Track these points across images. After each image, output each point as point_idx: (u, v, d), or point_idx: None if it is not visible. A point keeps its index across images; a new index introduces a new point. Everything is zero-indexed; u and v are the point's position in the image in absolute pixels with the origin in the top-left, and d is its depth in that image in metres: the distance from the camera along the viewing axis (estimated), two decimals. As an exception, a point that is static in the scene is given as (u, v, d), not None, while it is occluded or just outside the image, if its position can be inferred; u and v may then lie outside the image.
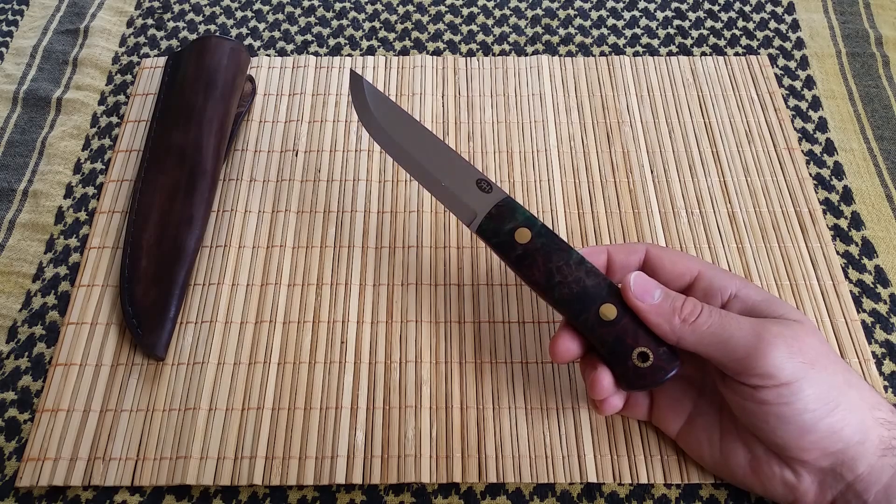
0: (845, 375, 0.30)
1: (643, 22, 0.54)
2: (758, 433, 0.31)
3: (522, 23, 0.54)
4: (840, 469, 0.30)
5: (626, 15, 0.55)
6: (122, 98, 0.50)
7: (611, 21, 0.54)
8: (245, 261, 0.42)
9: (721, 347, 0.30)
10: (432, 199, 0.45)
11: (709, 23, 0.54)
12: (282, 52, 0.52)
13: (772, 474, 0.31)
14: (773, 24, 0.54)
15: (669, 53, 0.52)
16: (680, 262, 0.34)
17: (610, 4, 0.55)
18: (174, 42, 0.53)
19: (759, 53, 0.52)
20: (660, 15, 0.55)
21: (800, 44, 0.53)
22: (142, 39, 0.53)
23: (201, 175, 0.43)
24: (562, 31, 0.54)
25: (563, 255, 0.33)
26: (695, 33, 0.54)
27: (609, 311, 0.32)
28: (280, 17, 0.54)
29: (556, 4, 0.55)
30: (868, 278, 0.43)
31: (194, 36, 0.53)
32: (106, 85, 0.51)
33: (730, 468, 0.33)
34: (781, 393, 0.29)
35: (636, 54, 0.52)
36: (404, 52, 0.52)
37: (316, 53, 0.52)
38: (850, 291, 0.42)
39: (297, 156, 0.47)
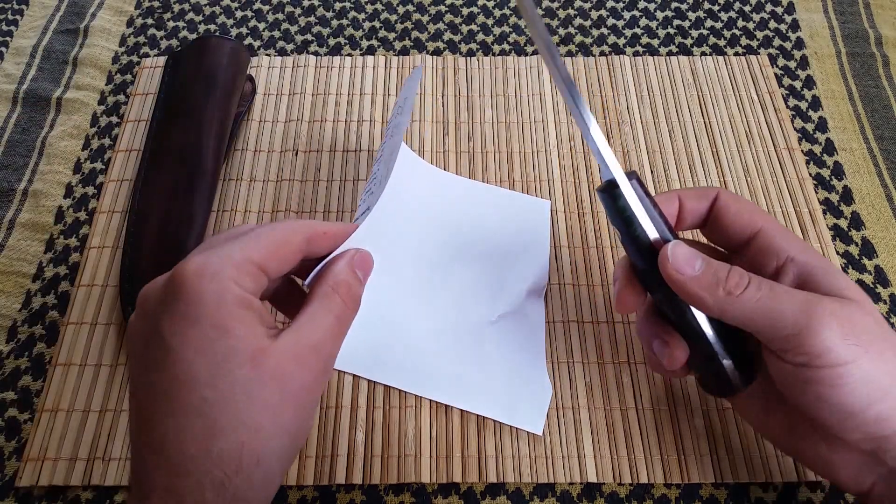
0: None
1: (643, 22, 0.54)
2: (799, 406, 0.29)
3: (522, 23, 0.54)
4: (884, 455, 0.28)
5: (626, 15, 0.55)
6: (122, 98, 0.50)
7: (611, 21, 0.54)
8: (245, 261, 0.42)
9: (768, 322, 0.28)
10: (432, 199, 0.45)
11: (709, 23, 0.54)
12: (282, 52, 0.52)
13: (808, 446, 0.30)
14: (773, 24, 0.54)
15: (669, 53, 0.52)
16: (745, 214, 0.31)
17: (610, 4, 0.55)
18: (174, 42, 0.53)
19: (759, 53, 0.52)
20: (660, 15, 0.55)
21: (800, 44, 0.53)
22: (142, 39, 0.53)
23: (201, 175, 0.43)
24: (562, 31, 0.54)
25: None
26: (695, 33, 0.54)
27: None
28: (280, 16, 0.54)
29: (556, 4, 0.55)
30: (868, 278, 0.43)
31: (194, 36, 0.53)
32: (106, 85, 0.51)
33: (769, 427, 0.32)
34: (829, 374, 0.27)
35: (636, 54, 0.52)
36: (404, 52, 0.52)
37: (316, 53, 0.52)
38: (850, 291, 0.42)
39: (297, 156, 0.47)
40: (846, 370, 0.27)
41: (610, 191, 0.29)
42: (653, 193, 0.32)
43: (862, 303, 0.28)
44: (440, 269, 0.42)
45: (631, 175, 0.29)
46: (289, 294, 0.32)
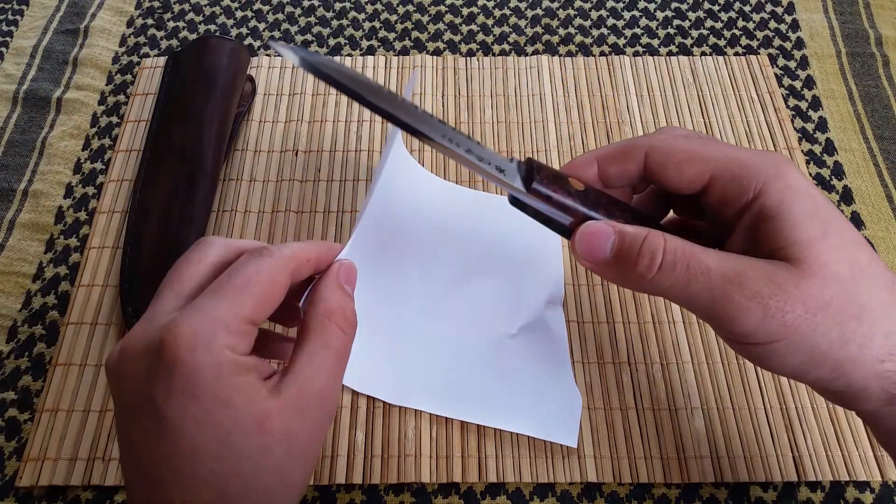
0: (853, 325, 0.25)
1: (643, 22, 0.54)
2: None
3: (522, 23, 0.54)
4: (849, 401, 0.27)
5: (626, 15, 0.55)
6: (122, 98, 0.50)
7: (611, 21, 0.54)
8: (245, 261, 0.42)
9: (686, 305, 0.27)
10: (432, 199, 0.45)
11: (709, 23, 0.54)
12: (282, 52, 0.52)
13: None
14: (773, 24, 0.54)
15: (669, 53, 0.52)
16: (688, 167, 0.27)
17: (610, 4, 0.55)
18: (174, 42, 0.53)
19: (759, 53, 0.52)
20: (660, 15, 0.55)
21: (800, 44, 0.53)
22: (142, 39, 0.53)
23: (201, 175, 0.43)
24: (562, 31, 0.54)
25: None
26: (695, 33, 0.54)
27: None
28: (280, 17, 0.54)
29: (556, 4, 0.55)
30: (868, 278, 0.42)
31: (194, 36, 0.53)
32: (106, 85, 0.51)
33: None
34: (757, 351, 0.26)
35: (636, 54, 0.52)
36: (404, 52, 0.52)
37: (316, 53, 0.52)
38: (850, 291, 0.42)
39: (297, 156, 0.47)
40: (773, 348, 0.25)
41: (513, 202, 0.29)
42: (560, 168, 0.30)
43: (806, 260, 0.25)
44: (455, 283, 0.40)
45: (528, 164, 0.28)
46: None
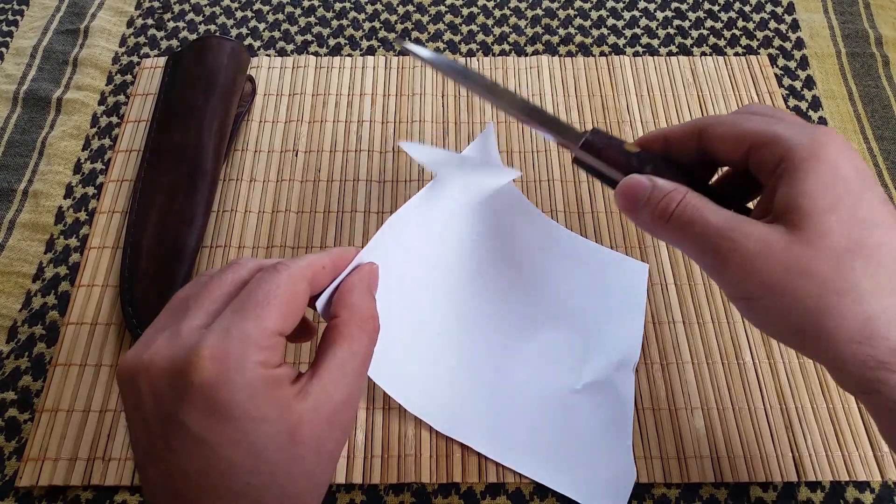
0: (833, 299, 0.24)
1: (643, 22, 0.54)
2: None
3: (522, 23, 0.54)
4: (840, 381, 0.27)
5: (626, 15, 0.55)
6: (122, 98, 0.50)
7: (611, 21, 0.54)
8: (245, 261, 0.42)
9: (690, 255, 0.28)
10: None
11: (709, 23, 0.54)
12: (282, 52, 0.52)
13: None
14: (773, 24, 0.54)
15: (669, 53, 0.52)
16: (729, 137, 0.28)
17: (610, 4, 0.55)
18: (174, 42, 0.53)
19: (758, 53, 0.52)
20: (660, 15, 0.55)
21: (800, 44, 0.53)
22: (142, 39, 0.53)
23: (201, 175, 0.43)
24: (562, 31, 0.54)
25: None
26: (695, 33, 0.54)
27: None
28: (280, 17, 0.54)
29: (556, 4, 0.55)
30: (868, 278, 0.42)
31: (194, 36, 0.53)
32: (106, 85, 0.51)
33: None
34: (740, 306, 0.27)
35: (636, 54, 0.52)
36: (404, 52, 0.52)
37: (316, 53, 0.52)
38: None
39: (297, 156, 0.47)
40: (747, 305, 0.26)
41: (577, 161, 0.32)
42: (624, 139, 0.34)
43: (804, 228, 0.25)
44: (529, 324, 0.38)
45: (593, 132, 0.31)
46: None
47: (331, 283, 0.28)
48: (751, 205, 0.30)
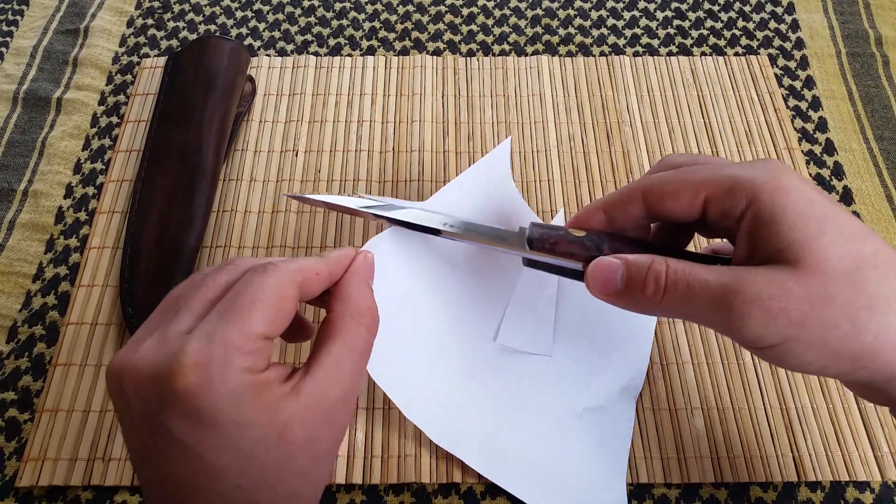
0: (865, 315, 0.25)
1: (643, 22, 0.54)
2: None
3: (522, 23, 0.54)
4: (878, 395, 0.28)
5: (626, 15, 0.55)
6: (122, 98, 0.50)
7: (611, 21, 0.54)
8: (245, 261, 0.42)
9: (699, 321, 0.27)
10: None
11: (709, 23, 0.54)
12: (282, 52, 0.52)
13: None
14: (773, 24, 0.54)
15: (669, 53, 0.52)
16: (683, 195, 0.28)
17: (610, 4, 0.55)
18: (174, 42, 0.53)
19: (758, 53, 0.52)
20: (660, 15, 0.55)
21: (800, 44, 0.53)
22: (142, 39, 0.53)
23: (201, 175, 0.43)
24: (562, 31, 0.54)
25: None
26: (695, 33, 0.54)
27: None
28: (280, 17, 0.54)
29: (556, 4, 0.55)
30: (868, 278, 0.42)
31: (194, 36, 0.53)
32: (106, 85, 0.51)
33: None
34: (773, 353, 0.26)
35: (636, 54, 0.52)
36: (404, 52, 0.52)
37: (316, 53, 0.52)
38: (850, 291, 0.42)
39: (297, 156, 0.47)
40: (782, 349, 0.25)
41: (528, 263, 0.32)
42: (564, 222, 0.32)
43: (804, 259, 0.25)
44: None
45: (532, 225, 0.30)
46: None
47: (326, 288, 0.27)
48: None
